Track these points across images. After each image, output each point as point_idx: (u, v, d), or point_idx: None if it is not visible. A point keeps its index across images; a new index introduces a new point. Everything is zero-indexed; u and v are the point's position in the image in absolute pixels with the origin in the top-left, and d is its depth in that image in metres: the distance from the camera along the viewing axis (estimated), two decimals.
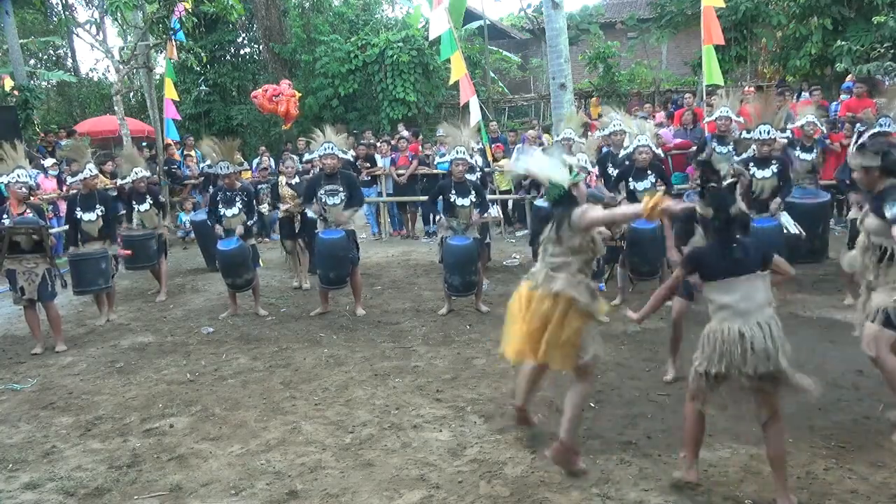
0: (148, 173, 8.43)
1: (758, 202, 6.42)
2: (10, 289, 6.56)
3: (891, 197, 3.74)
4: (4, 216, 6.27)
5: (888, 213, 3.71)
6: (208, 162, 9.33)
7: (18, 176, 6.35)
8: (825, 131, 8.71)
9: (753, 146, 6.59)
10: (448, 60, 11.34)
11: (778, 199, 6.44)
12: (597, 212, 3.51)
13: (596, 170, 7.62)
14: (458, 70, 10.70)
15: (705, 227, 3.44)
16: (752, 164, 6.52)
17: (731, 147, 7.72)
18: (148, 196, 8.05)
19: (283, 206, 8.26)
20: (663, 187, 6.93)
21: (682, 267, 3.44)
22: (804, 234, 6.60)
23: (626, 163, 7.00)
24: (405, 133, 13.01)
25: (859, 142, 3.99)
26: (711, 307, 3.28)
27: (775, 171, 6.45)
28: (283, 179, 8.56)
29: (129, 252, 7.78)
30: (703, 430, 3.47)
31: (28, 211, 6.36)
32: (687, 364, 4.81)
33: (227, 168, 7.25)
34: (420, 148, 12.60)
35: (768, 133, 6.43)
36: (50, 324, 6.49)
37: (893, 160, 3.84)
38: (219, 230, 7.15)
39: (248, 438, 4.32)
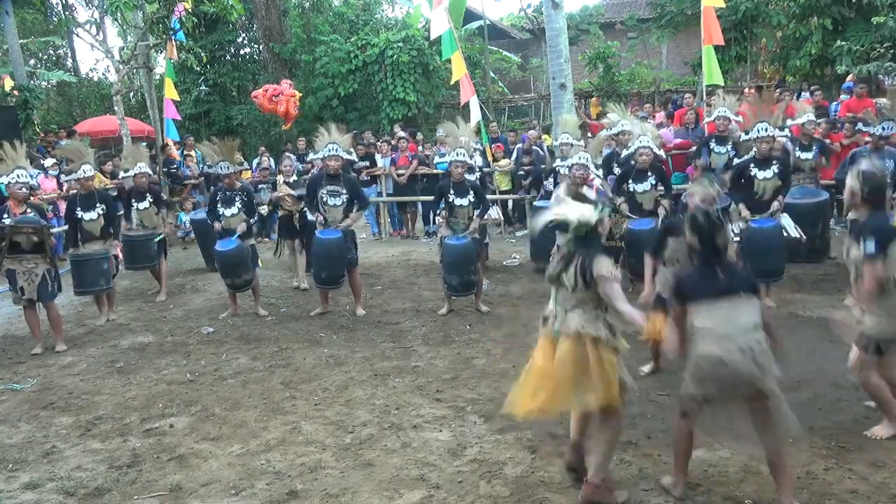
0: (150, 171, 8.43)
1: (760, 203, 6.41)
2: (10, 289, 6.56)
3: (867, 230, 3.78)
4: (5, 216, 6.27)
5: (864, 249, 3.75)
6: (209, 162, 9.35)
7: (18, 176, 6.35)
8: (821, 131, 8.72)
9: (754, 147, 6.58)
10: (448, 60, 11.35)
11: (780, 198, 6.43)
12: (620, 300, 3.25)
13: (601, 171, 7.62)
14: (459, 70, 10.71)
15: (692, 253, 3.44)
16: (753, 165, 6.50)
17: (730, 147, 7.73)
18: (148, 194, 8.03)
19: (280, 205, 8.28)
20: (663, 189, 6.95)
21: (673, 299, 3.37)
22: (804, 237, 6.58)
23: (631, 162, 7.01)
24: (402, 133, 13.02)
25: (861, 166, 4.03)
26: (695, 332, 3.21)
27: (776, 171, 6.42)
28: (280, 178, 8.59)
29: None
30: (691, 446, 3.43)
31: (29, 211, 6.36)
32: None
33: (227, 168, 7.26)
34: (420, 148, 12.61)
35: (766, 130, 6.41)
36: (50, 324, 6.49)
37: (876, 193, 3.90)
38: (217, 227, 7.19)
39: (248, 438, 4.32)
